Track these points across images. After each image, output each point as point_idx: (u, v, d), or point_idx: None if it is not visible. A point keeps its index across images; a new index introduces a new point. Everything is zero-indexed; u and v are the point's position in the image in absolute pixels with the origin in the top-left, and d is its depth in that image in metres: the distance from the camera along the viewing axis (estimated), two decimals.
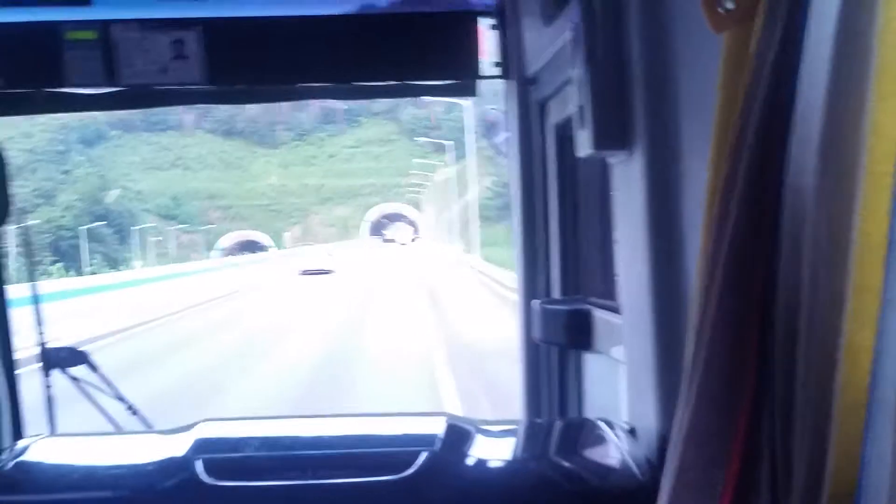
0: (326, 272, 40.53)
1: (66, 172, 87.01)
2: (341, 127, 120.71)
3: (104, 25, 2.04)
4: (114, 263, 64.89)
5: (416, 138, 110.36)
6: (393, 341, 15.49)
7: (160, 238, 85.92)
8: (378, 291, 28.57)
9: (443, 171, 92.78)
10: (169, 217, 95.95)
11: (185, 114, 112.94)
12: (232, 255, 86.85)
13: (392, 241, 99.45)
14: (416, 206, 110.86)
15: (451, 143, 76.25)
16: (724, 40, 0.86)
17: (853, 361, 0.62)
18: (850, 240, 0.62)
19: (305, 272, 40.72)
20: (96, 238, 74.73)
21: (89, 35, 2.03)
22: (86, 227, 68.16)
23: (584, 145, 1.49)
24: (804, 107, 0.72)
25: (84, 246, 67.55)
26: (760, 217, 0.78)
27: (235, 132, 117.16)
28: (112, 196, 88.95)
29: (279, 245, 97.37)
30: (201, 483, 1.33)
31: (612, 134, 1.40)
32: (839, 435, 0.63)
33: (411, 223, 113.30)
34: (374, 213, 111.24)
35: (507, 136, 2.40)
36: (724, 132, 0.84)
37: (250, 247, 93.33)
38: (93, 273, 52.98)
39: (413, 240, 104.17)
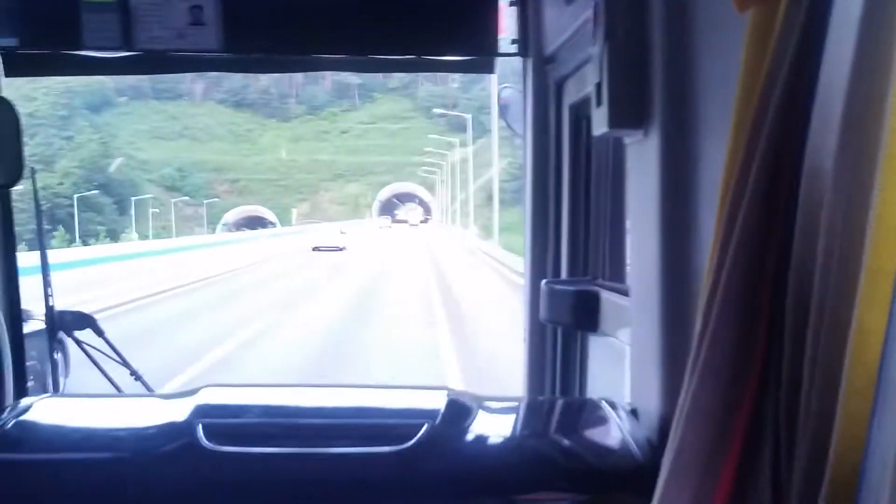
0: (338, 249, 40.30)
1: (67, 138, 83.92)
2: (355, 102, 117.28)
3: None
4: (86, 237, 60.46)
5: (432, 116, 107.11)
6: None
7: (158, 210, 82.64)
8: (385, 283, 24.51)
9: (459, 150, 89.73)
10: (173, 189, 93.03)
11: (194, 83, 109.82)
12: (237, 230, 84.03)
13: (404, 221, 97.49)
14: (430, 186, 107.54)
15: (469, 118, 72.90)
16: (747, 20, 0.85)
17: (863, 344, 0.62)
18: (866, 222, 0.62)
19: (317, 248, 40.64)
20: (94, 208, 71.79)
21: None
22: (79, 195, 65.03)
23: (599, 124, 1.48)
24: (826, 89, 0.71)
25: (76, 215, 64.54)
26: (776, 199, 0.78)
27: (246, 104, 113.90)
28: (115, 165, 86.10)
29: (286, 222, 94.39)
30: (201, 447, 1.34)
31: (629, 113, 1.40)
32: (844, 418, 0.63)
33: (423, 204, 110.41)
34: (385, 193, 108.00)
35: (523, 115, 2.38)
36: (745, 114, 0.84)
37: (256, 223, 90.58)
38: (58, 247, 44.49)
39: (424, 221, 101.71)
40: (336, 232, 45.94)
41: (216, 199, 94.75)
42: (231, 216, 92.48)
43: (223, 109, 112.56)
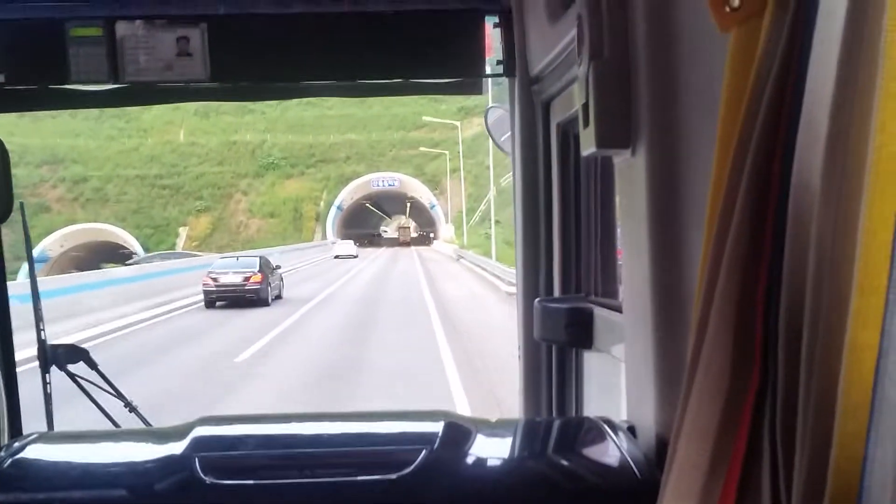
0: (354, 257, 55.10)
1: None
2: None
3: (109, 22, 2.14)
4: None
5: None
6: None
7: None
8: None
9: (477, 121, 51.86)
10: None
11: None
12: (73, 268, 43.47)
13: (392, 238, 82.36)
14: (433, 181, 66.78)
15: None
16: (731, 39, 0.90)
17: (857, 360, 0.64)
18: (855, 239, 0.65)
19: (338, 256, 55.31)
20: None
21: (94, 32, 2.13)
22: None
23: (587, 144, 1.55)
24: (811, 105, 0.75)
25: None
26: (765, 216, 0.83)
27: None
28: None
29: (165, 248, 53.96)
30: (199, 481, 1.38)
31: (616, 132, 1.47)
32: (842, 434, 0.66)
33: (419, 209, 71.07)
34: (351, 193, 68.15)
35: (511, 135, 2.52)
36: (730, 131, 0.88)
37: (103, 253, 50.72)
38: None
39: (426, 235, 76.73)
40: (350, 244, 58.52)
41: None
42: (56, 242, 52.08)
43: None
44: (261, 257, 25.36)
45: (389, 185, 67.89)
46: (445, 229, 64.05)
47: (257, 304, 23.05)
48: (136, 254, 52.08)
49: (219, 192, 67.22)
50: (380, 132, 70.53)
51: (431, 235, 74.18)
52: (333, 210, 66.93)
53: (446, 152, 62.68)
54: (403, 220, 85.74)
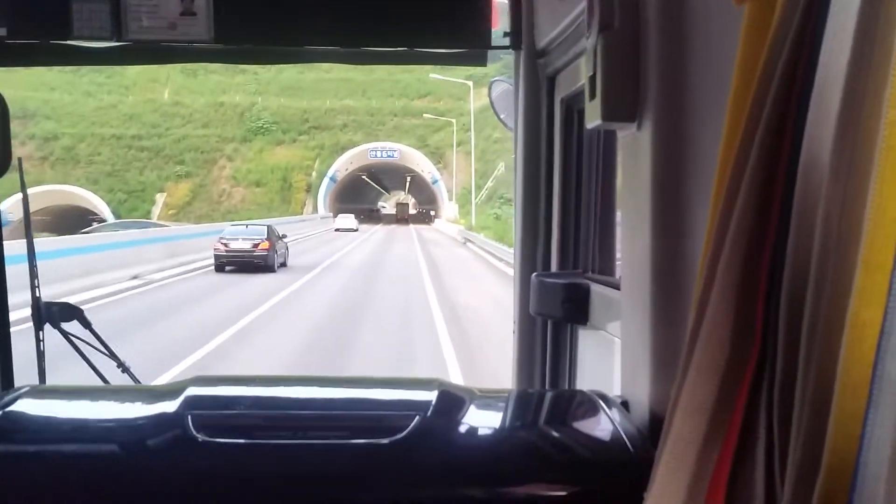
0: (354, 230, 55.78)
1: None
2: None
3: None
4: None
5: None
6: None
7: None
8: None
9: (484, 92, 43.13)
10: None
11: None
12: (41, 235, 38.34)
13: (392, 214, 78.46)
14: (436, 153, 62.06)
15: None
16: (744, 13, 0.90)
17: (858, 338, 0.64)
18: (863, 215, 0.65)
19: (338, 229, 56.08)
20: None
21: None
22: None
23: (593, 116, 1.56)
24: (823, 81, 0.75)
25: None
26: (772, 193, 0.82)
27: None
28: None
29: (123, 217, 49.39)
30: (192, 439, 1.39)
31: (623, 105, 1.48)
32: (840, 411, 0.66)
33: (419, 187, 66.64)
34: (345, 163, 63.50)
35: (514, 109, 2.53)
36: (741, 106, 0.87)
37: (71, 219, 46.22)
38: None
39: (424, 212, 72.29)
40: (351, 218, 58.68)
41: None
42: (17, 206, 46.61)
43: None
44: (268, 227, 26.61)
45: (388, 156, 63.11)
46: (449, 207, 59.43)
47: (264, 269, 24.45)
48: (105, 220, 47.62)
49: (202, 157, 62.47)
50: (381, 99, 65.92)
51: (432, 213, 69.62)
52: (326, 181, 62.24)
53: (453, 121, 57.93)
54: (402, 195, 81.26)
